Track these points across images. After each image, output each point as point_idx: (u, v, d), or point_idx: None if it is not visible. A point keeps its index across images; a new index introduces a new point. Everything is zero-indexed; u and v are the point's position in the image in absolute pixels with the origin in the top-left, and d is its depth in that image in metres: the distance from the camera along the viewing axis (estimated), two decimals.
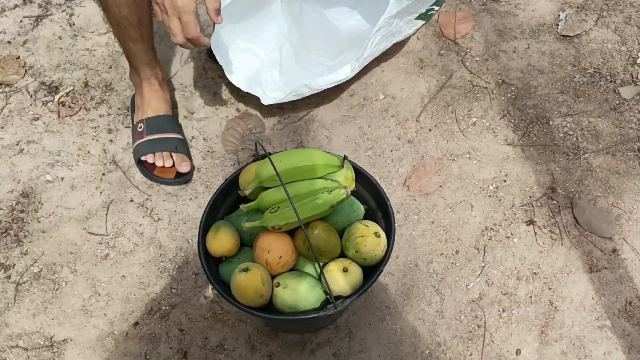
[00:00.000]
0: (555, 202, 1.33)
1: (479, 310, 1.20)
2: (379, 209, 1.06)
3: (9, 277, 1.22)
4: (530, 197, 1.34)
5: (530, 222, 1.31)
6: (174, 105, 1.44)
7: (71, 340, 1.15)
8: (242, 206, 1.01)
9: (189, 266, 1.25)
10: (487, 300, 1.21)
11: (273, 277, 0.98)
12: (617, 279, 1.23)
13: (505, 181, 1.37)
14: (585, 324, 1.18)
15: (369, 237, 0.97)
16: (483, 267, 1.25)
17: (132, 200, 1.32)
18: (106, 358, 1.14)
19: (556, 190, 1.35)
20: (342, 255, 1.01)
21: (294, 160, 0.99)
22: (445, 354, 1.15)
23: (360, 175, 1.06)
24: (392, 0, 1.27)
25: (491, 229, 1.30)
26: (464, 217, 1.32)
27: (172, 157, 1.34)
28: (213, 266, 1.01)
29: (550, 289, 1.22)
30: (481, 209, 1.33)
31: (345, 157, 1.00)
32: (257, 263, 0.97)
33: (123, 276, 1.23)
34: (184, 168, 1.33)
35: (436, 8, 1.44)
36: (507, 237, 1.29)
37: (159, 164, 1.32)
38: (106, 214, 1.30)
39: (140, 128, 1.34)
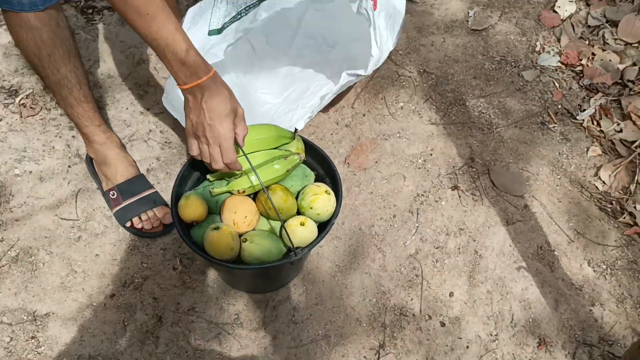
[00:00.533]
0: (474, 169, 1.55)
1: (416, 263, 1.39)
2: (327, 175, 1.23)
3: None
4: (453, 167, 1.55)
5: (455, 187, 1.52)
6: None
7: (53, 313, 1.26)
8: (209, 176, 1.16)
9: (156, 243, 1.37)
10: (422, 254, 1.40)
11: (240, 235, 1.13)
12: (529, 229, 1.45)
13: (431, 155, 1.57)
14: (505, 267, 1.39)
15: (321, 195, 1.14)
16: (417, 226, 1.44)
17: (98, 189, 1.43)
18: (87, 327, 1.25)
19: (475, 160, 1.57)
20: (299, 213, 1.17)
21: (253, 133, 1.15)
22: (390, 300, 1.33)
23: (309, 147, 1.23)
24: (344, 74, 1.41)
25: (422, 195, 1.50)
26: (398, 186, 1.51)
27: (154, 212, 1.39)
28: (185, 230, 1.15)
29: (474, 240, 1.43)
30: (412, 179, 1.52)
31: (296, 130, 1.17)
32: (225, 224, 1.12)
33: (96, 255, 1.34)
34: (167, 219, 1.39)
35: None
36: (436, 201, 1.49)
37: (146, 226, 1.37)
38: (75, 201, 1.41)
39: (113, 195, 1.38)
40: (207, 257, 1.09)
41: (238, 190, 1.12)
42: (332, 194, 1.16)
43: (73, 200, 1.41)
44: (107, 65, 1.68)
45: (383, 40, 1.37)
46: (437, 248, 1.42)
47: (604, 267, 1.41)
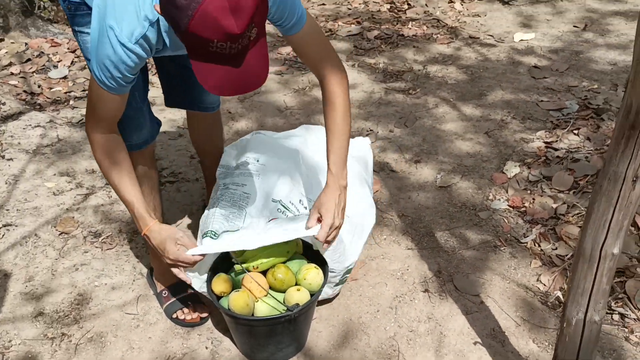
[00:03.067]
0: (441, 279, 1.99)
1: (394, 342, 1.78)
2: (319, 262, 1.71)
3: (70, 341, 1.76)
4: (425, 277, 2.00)
5: (426, 290, 1.95)
6: None
7: None
8: (234, 259, 1.66)
9: (194, 330, 1.81)
10: (399, 336, 1.79)
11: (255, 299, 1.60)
12: (484, 317, 1.85)
13: (407, 269, 2.04)
14: (464, 343, 1.76)
15: (311, 270, 1.62)
16: (395, 317, 1.85)
17: (153, 294, 1.92)
18: None
19: (442, 272, 2.02)
20: (297, 284, 1.64)
21: (264, 254, 1.66)
22: None
23: (308, 246, 1.74)
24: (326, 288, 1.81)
25: (399, 296, 1.93)
26: (381, 291, 1.95)
27: (193, 307, 1.82)
28: (215, 300, 1.62)
29: (440, 325, 1.82)
30: (392, 286, 1.97)
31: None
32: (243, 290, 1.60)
33: (149, 337, 1.78)
34: (204, 313, 1.83)
35: (347, 276, 1.84)
36: (411, 300, 1.92)
37: (187, 318, 1.83)
38: (137, 302, 1.89)
39: (164, 294, 1.87)
40: (230, 313, 1.54)
41: (253, 267, 1.61)
42: (320, 270, 1.64)
43: (135, 302, 1.90)
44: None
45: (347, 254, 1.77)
46: (410, 331, 1.81)
47: (546, 343, 1.76)
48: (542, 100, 3.01)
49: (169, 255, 1.51)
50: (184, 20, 1.11)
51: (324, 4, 4.40)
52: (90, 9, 1.42)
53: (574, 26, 3.90)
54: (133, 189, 1.52)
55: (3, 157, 2.54)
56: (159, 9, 1.20)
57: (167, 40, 1.36)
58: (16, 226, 2.18)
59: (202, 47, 1.15)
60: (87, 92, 3.11)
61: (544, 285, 1.95)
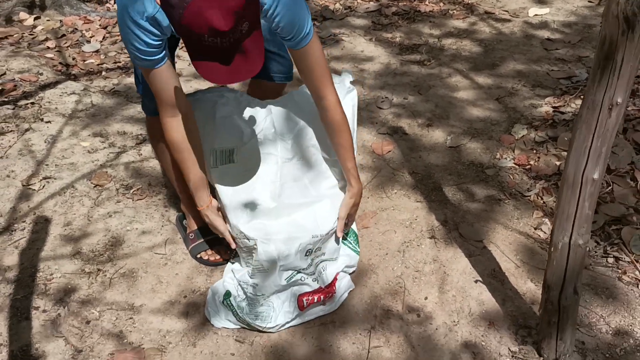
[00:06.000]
0: (447, 227, 2.13)
1: (400, 280, 1.92)
2: None
3: (105, 275, 1.94)
4: (432, 226, 2.14)
5: (432, 237, 2.09)
6: None
7: (144, 305, 1.84)
8: None
9: (217, 269, 1.97)
10: (405, 275, 1.94)
11: None
12: (485, 259, 1.98)
13: (416, 219, 2.17)
14: (466, 281, 1.90)
15: None
16: (402, 259, 2.00)
17: (180, 238, 2.09)
18: (166, 313, 1.81)
19: (448, 222, 2.15)
20: None
21: None
22: (380, 302, 1.84)
23: None
24: None
25: (407, 242, 2.07)
26: (390, 237, 2.09)
27: (217, 249, 2.00)
28: None
29: (444, 266, 1.96)
30: (401, 233, 2.11)
31: None
32: None
33: (176, 274, 1.95)
34: (226, 256, 1.96)
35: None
36: (418, 245, 2.06)
37: (211, 258, 2.00)
38: (165, 245, 2.07)
39: (191, 236, 2.04)
40: None
41: None
42: None
43: (163, 244, 2.07)
44: None
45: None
46: (416, 271, 1.95)
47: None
48: (552, 70, 3.10)
49: (219, 229, 1.78)
50: (177, 17, 1.24)
51: None
52: None
53: (589, 1, 3.97)
54: (194, 168, 1.72)
55: (42, 119, 2.73)
56: (159, 1, 1.33)
57: (173, 29, 1.47)
58: (55, 179, 2.37)
59: (197, 41, 1.27)
60: (117, 64, 3.31)
61: (545, 233, 2.07)
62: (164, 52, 1.53)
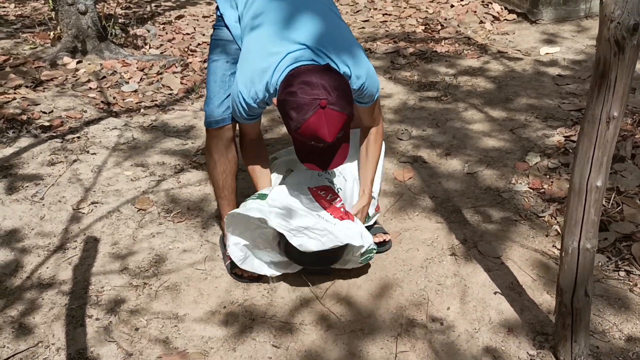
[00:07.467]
0: (467, 245, 2.27)
1: (424, 292, 2.06)
2: None
3: (151, 288, 2.11)
4: (452, 245, 2.29)
5: (453, 254, 2.24)
6: None
7: (187, 314, 2.00)
8: None
9: (253, 284, 2.13)
10: (428, 288, 2.08)
11: None
12: (504, 274, 2.11)
13: (437, 238, 2.32)
14: (485, 293, 2.03)
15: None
16: (425, 274, 2.14)
17: (218, 255, 2.26)
18: (207, 322, 1.97)
19: (467, 241, 2.30)
20: None
21: None
22: (405, 312, 1.98)
23: None
24: None
25: (429, 259, 2.22)
26: (413, 255, 2.24)
27: None
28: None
29: (465, 279, 2.10)
30: (423, 251, 2.26)
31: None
32: None
33: (216, 287, 2.12)
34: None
35: (370, 255, 2.09)
36: (439, 262, 2.20)
37: (245, 275, 2.16)
38: (204, 262, 2.23)
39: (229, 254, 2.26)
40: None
41: None
42: None
43: (203, 261, 2.24)
44: None
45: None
46: (439, 284, 2.09)
47: None
48: (563, 103, 3.28)
49: None
50: (293, 127, 1.68)
51: (363, 28, 4.80)
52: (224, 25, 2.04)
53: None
54: (260, 180, 2.13)
55: (88, 152, 2.96)
56: (275, 103, 1.78)
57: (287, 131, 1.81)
58: (102, 204, 2.57)
59: (304, 144, 1.73)
60: (154, 102, 3.56)
61: (559, 249, 2.21)
62: (260, 114, 2.00)
